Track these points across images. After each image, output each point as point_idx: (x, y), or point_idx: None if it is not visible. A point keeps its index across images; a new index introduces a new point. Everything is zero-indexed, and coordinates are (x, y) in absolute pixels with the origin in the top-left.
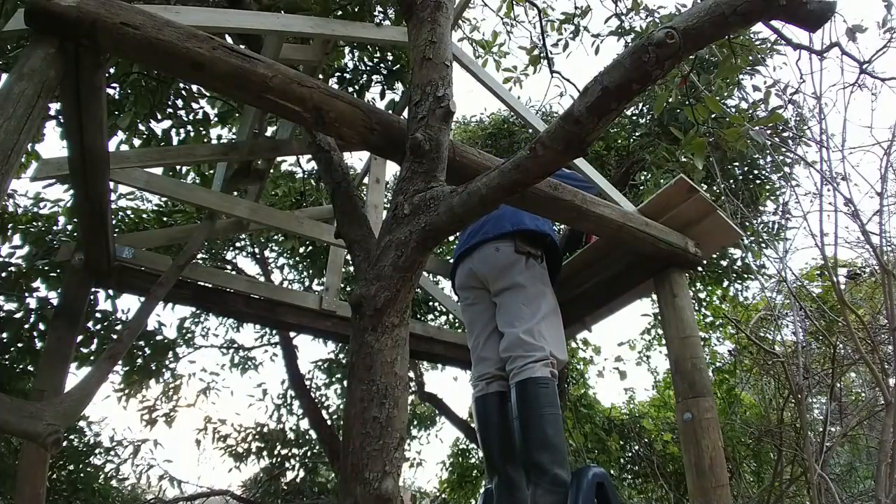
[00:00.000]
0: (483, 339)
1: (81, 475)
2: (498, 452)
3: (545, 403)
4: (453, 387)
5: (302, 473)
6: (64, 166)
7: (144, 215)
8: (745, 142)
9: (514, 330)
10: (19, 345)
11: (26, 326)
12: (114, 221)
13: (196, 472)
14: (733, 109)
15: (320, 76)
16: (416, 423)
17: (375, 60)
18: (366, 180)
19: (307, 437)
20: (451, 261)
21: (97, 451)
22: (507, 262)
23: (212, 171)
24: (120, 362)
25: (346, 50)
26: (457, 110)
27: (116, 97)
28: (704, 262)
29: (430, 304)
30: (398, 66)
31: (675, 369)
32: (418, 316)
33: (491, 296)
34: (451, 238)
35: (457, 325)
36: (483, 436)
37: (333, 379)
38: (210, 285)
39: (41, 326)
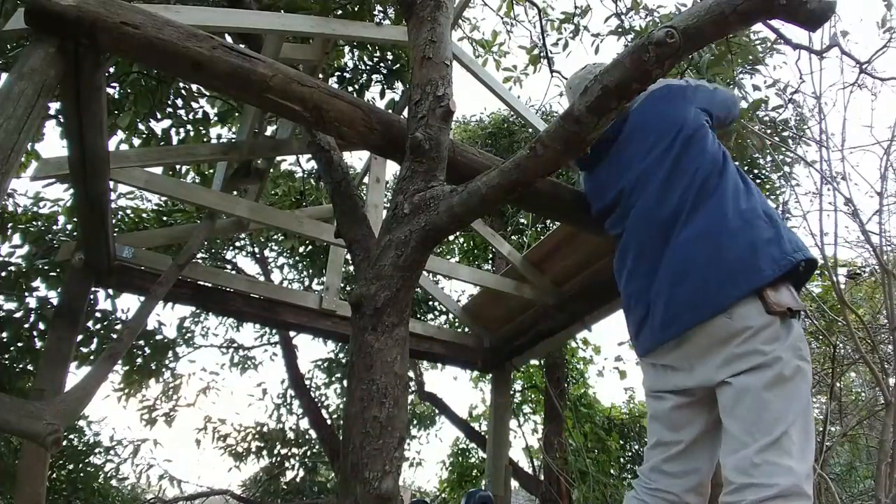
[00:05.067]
0: (687, 443)
1: (81, 475)
2: None
3: None
4: (453, 387)
5: (302, 473)
6: (64, 166)
7: (144, 215)
8: (745, 142)
9: (749, 448)
10: (19, 344)
11: (26, 326)
12: (114, 221)
13: (196, 472)
14: None
15: (320, 76)
16: (416, 422)
17: (375, 60)
18: (366, 180)
19: (307, 436)
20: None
21: (97, 450)
22: (746, 334)
23: (212, 171)
24: (120, 362)
25: (346, 49)
26: (457, 110)
27: (116, 97)
28: None
29: (430, 303)
30: (398, 65)
31: None
32: (418, 316)
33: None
34: (451, 238)
35: (456, 324)
36: None
37: (333, 379)
38: (210, 285)
39: (41, 326)
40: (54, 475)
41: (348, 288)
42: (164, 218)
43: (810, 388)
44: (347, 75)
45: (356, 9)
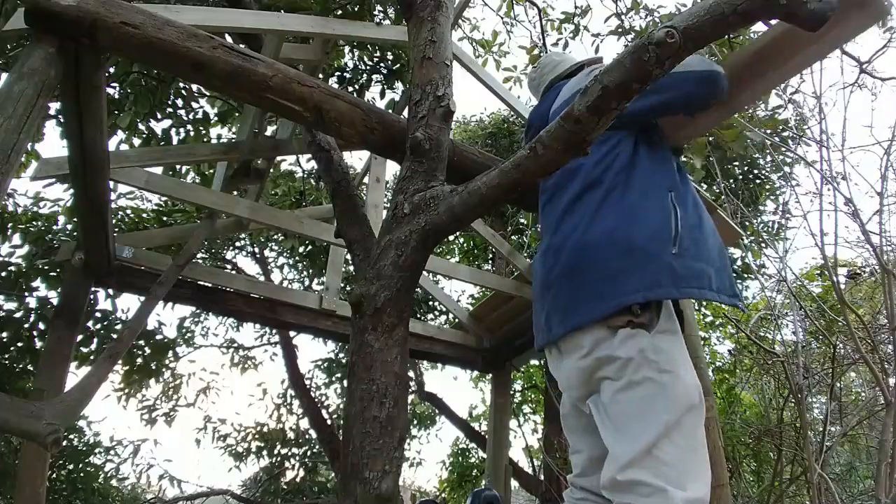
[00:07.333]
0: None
1: (81, 475)
2: None
3: None
4: (453, 387)
5: (302, 473)
6: (64, 166)
7: (144, 215)
8: (745, 142)
9: (613, 464)
10: (19, 344)
11: (26, 326)
12: (114, 221)
13: (196, 472)
14: None
15: (320, 76)
16: (416, 422)
17: (375, 60)
18: (366, 180)
19: (307, 436)
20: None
21: (97, 450)
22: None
23: (212, 171)
24: (120, 362)
25: (346, 49)
26: (457, 110)
27: (116, 97)
28: None
29: (430, 303)
30: (398, 65)
31: None
32: (418, 316)
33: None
34: (451, 238)
35: (457, 323)
36: None
37: (333, 379)
38: (210, 285)
39: (41, 326)
40: (54, 475)
41: (348, 288)
42: (164, 218)
43: (688, 405)
44: (347, 75)
45: (356, 9)
